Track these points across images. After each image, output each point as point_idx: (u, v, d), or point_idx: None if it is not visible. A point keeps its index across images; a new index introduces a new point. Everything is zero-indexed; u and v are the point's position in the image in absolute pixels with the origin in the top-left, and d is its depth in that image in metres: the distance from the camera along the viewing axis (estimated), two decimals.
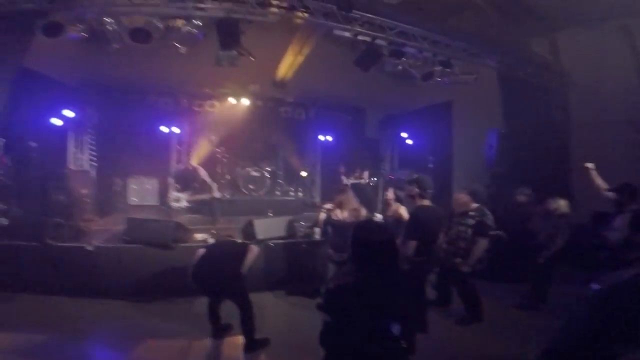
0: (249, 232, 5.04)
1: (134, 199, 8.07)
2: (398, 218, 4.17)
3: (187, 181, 7.33)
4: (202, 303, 3.85)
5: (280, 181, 9.21)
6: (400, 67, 5.78)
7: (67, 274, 4.55)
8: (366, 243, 1.74)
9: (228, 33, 4.48)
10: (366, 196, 4.97)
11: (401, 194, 4.31)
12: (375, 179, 8.18)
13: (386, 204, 4.72)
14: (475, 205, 4.18)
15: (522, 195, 5.21)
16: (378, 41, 5.06)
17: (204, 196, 7.07)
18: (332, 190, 6.40)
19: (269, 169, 9.08)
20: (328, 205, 4.74)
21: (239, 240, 4.18)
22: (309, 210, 8.27)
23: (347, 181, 8.19)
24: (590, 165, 4.28)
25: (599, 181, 4.21)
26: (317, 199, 9.75)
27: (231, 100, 8.81)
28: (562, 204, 4.48)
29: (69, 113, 7.23)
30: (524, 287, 4.64)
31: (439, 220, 3.72)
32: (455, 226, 4.20)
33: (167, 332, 3.88)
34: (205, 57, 5.13)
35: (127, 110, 8.04)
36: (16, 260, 4.55)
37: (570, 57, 5.83)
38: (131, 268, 4.67)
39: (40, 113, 6.52)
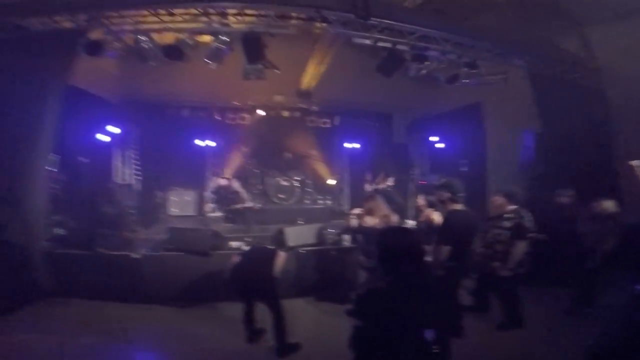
0: (279, 240, 5.17)
1: (174, 210, 8.52)
2: (430, 224, 4.11)
3: (222, 193, 7.67)
4: (237, 308, 3.97)
5: (309, 190, 9.34)
6: (424, 71, 5.74)
7: (115, 280, 4.81)
8: (392, 247, 1.77)
9: (253, 47, 4.62)
10: (392, 201, 4.93)
11: (433, 199, 4.24)
12: (392, 183, 8.06)
13: (418, 210, 4.67)
14: (511, 207, 4.06)
15: (564, 197, 4.98)
16: (399, 46, 5.04)
17: (238, 206, 7.34)
18: (360, 198, 6.41)
19: (298, 178, 9.25)
20: (357, 211, 4.77)
21: (270, 247, 4.33)
22: (338, 217, 8.31)
23: (371, 187, 8.20)
24: (635, 163, 4.02)
25: None
26: (346, 207, 9.77)
27: (259, 112, 9.13)
28: (609, 205, 4.24)
29: (113, 129, 7.71)
30: (568, 291, 4.42)
31: (473, 225, 3.62)
32: (491, 230, 4.09)
33: (204, 335, 4.04)
34: (234, 72, 5.35)
35: (165, 125, 8.58)
36: (71, 268, 4.87)
37: (605, 52, 5.51)
38: (172, 275, 4.91)
39: (88, 130, 6.98)
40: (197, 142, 9.16)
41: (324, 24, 4.58)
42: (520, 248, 3.85)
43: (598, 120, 5.76)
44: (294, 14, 4.48)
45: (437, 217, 4.07)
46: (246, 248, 4.63)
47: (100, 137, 7.48)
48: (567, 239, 4.50)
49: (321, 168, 10.26)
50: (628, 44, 5.05)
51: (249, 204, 7.39)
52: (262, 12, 4.47)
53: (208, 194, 7.19)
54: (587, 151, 5.58)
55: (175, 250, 5.08)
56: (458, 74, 5.65)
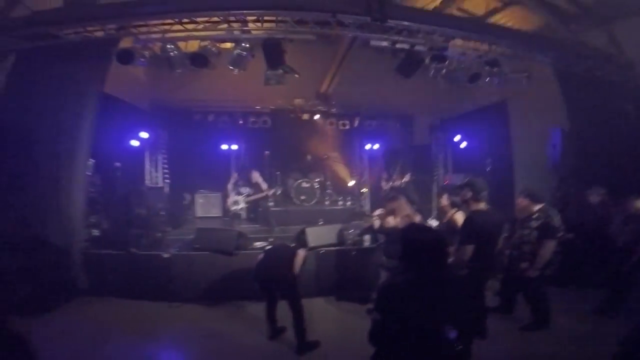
0: (301, 240, 5.27)
1: (200, 212, 8.87)
2: (454, 225, 4.06)
3: (243, 185, 7.82)
4: (260, 306, 4.10)
5: (329, 191, 9.41)
6: (444, 71, 5.67)
7: (147, 279, 5.03)
8: (415, 244, 1.79)
9: (273, 53, 4.74)
10: (410, 199, 4.88)
11: (457, 199, 4.17)
12: (409, 179, 7.98)
13: (441, 211, 4.62)
14: (537, 207, 3.96)
15: (596, 196, 4.81)
16: (418, 47, 5.00)
17: (259, 196, 7.50)
18: (380, 199, 6.38)
19: (318, 180, 9.34)
20: (378, 211, 4.78)
21: (291, 245, 4.46)
22: (358, 218, 8.32)
23: (387, 186, 8.14)
24: None
25: None
26: (366, 208, 9.76)
27: (281, 115, 9.34)
28: None
29: (144, 134, 8.14)
30: (599, 292, 4.26)
31: (497, 224, 3.55)
32: (518, 230, 4.02)
33: (228, 332, 4.16)
34: (256, 77, 5.52)
35: (191, 130, 8.97)
36: (105, 267, 5.10)
37: (635, 47, 5.25)
38: (200, 274, 5.09)
39: (121, 135, 7.35)
40: (222, 146, 9.47)
41: (340, 28, 4.63)
42: (549, 248, 3.75)
43: (629, 117, 5.50)
44: (310, 19, 4.55)
45: (460, 217, 4.01)
46: (269, 247, 4.78)
47: (132, 142, 7.90)
48: (598, 239, 4.34)
49: (341, 169, 10.31)
50: None
51: (269, 193, 7.50)
52: (280, 18, 4.58)
53: (229, 188, 7.39)
54: (619, 148, 5.34)
55: (202, 250, 5.27)
56: (480, 73, 5.54)
